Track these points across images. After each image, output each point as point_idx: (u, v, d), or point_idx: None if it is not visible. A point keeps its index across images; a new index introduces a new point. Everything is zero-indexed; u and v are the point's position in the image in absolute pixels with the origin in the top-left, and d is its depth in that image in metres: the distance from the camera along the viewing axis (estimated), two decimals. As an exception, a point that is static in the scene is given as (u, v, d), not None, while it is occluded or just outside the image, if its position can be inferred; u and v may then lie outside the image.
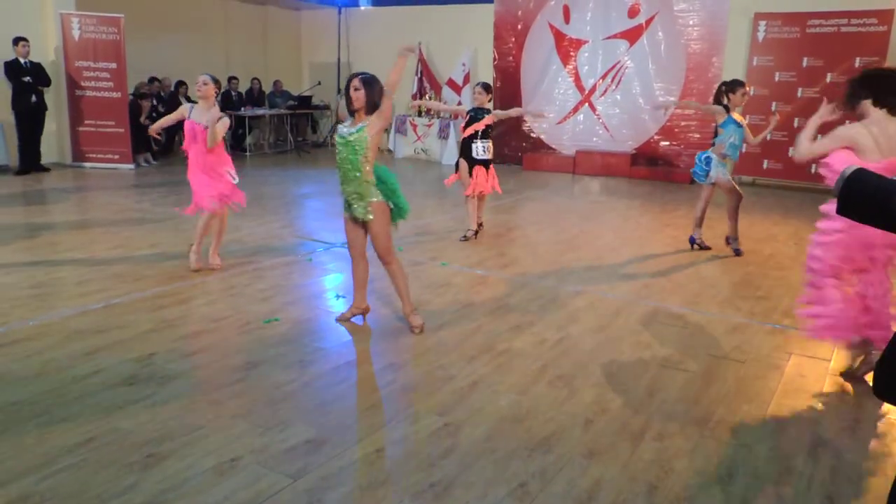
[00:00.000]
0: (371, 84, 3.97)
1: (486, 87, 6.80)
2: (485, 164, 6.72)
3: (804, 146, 3.70)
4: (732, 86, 6.31)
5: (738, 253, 6.45)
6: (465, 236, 6.78)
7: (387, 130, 14.18)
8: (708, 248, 6.60)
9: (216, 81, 5.41)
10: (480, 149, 6.67)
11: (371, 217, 4.09)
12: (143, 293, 4.88)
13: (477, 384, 3.58)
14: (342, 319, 4.47)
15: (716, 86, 11.22)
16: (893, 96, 3.54)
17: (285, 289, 5.08)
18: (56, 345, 3.92)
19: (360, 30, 14.80)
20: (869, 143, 3.54)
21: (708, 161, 6.30)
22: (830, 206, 3.44)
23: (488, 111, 6.74)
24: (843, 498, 2.70)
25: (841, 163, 3.46)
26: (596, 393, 3.53)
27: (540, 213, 8.56)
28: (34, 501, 2.49)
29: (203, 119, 5.26)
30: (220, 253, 5.61)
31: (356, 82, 3.95)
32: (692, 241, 6.65)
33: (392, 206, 4.18)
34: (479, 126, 6.65)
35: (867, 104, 3.61)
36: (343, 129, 4.08)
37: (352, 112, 4.04)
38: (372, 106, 3.98)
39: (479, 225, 6.97)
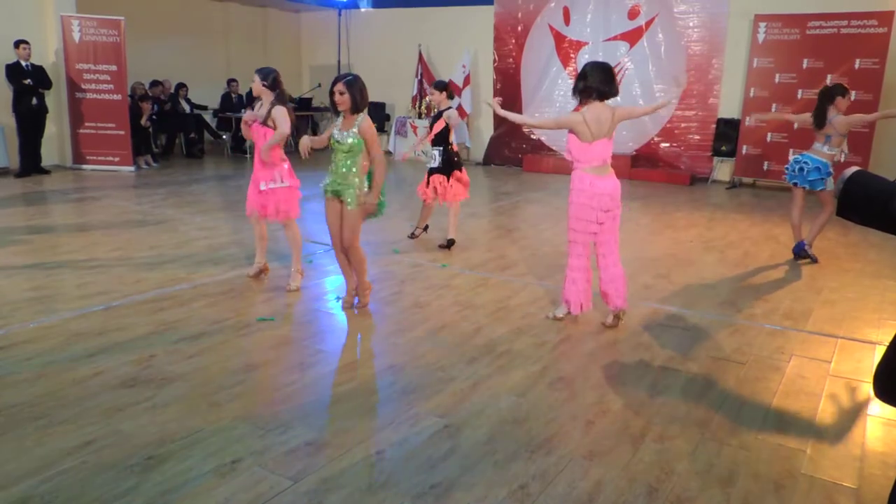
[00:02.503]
0: (353, 85, 4.32)
1: (438, 86, 6.40)
2: (440, 172, 6.33)
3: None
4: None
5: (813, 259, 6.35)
6: (413, 234, 6.83)
7: (387, 132, 14.20)
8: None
9: (264, 75, 4.92)
10: (433, 156, 6.37)
11: (354, 206, 4.43)
12: (144, 295, 4.88)
13: (477, 386, 3.58)
14: (347, 307, 4.75)
15: (716, 87, 11.39)
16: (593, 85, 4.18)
17: (285, 291, 5.08)
18: (56, 347, 3.92)
19: (361, 31, 14.81)
20: (582, 129, 4.21)
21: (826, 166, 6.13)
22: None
23: (440, 115, 6.31)
24: (846, 497, 2.70)
25: (572, 144, 4.28)
26: (597, 394, 3.52)
27: (540, 215, 8.56)
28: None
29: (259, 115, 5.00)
30: (220, 257, 5.61)
31: (340, 86, 4.28)
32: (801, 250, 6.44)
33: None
34: (430, 136, 6.37)
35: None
36: (336, 132, 4.42)
37: (337, 113, 4.39)
38: (356, 106, 4.32)
39: (424, 228, 6.77)
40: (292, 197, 5.08)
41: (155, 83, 12.17)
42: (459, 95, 13.24)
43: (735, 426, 3.24)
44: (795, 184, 6.31)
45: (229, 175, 11.06)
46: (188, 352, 3.92)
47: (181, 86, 12.61)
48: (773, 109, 10.67)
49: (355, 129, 4.36)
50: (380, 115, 14.25)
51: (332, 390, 3.54)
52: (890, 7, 9.90)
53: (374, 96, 14.47)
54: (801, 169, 6.20)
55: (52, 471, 2.69)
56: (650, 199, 9.79)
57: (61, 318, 4.40)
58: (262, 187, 5.03)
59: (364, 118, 4.39)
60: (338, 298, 4.95)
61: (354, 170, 4.42)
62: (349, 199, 4.43)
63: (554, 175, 12.11)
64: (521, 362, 3.91)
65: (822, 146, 6.17)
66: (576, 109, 4.44)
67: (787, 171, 6.42)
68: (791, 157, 6.35)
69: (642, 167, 11.90)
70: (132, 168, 10.85)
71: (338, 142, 4.40)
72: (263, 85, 4.91)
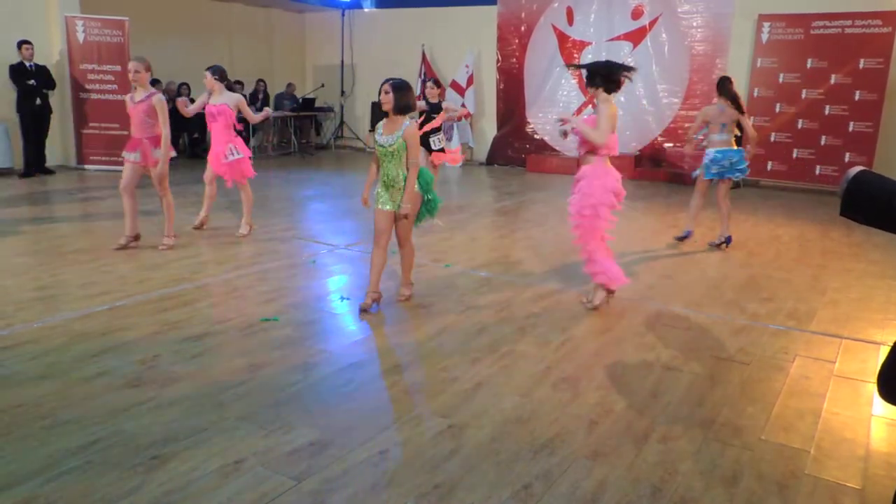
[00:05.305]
0: (399, 89, 4.42)
1: (437, 83, 8.31)
2: (441, 150, 8.12)
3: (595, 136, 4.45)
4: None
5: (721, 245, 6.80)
6: None
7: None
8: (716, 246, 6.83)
9: (211, 70, 6.77)
10: (436, 141, 7.98)
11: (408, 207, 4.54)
12: (147, 295, 4.89)
13: (481, 386, 3.58)
14: (366, 308, 4.67)
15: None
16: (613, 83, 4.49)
17: (289, 291, 5.09)
18: (60, 347, 3.93)
19: (364, 31, 14.82)
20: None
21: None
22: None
23: (439, 106, 7.99)
24: (850, 498, 2.69)
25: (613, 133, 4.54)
26: (600, 395, 3.52)
27: (544, 215, 8.55)
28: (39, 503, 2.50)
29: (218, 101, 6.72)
30: (223, 257, 5.62)
31: (386, 87, 4.44)
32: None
33: (426, 198, 4.69)
34: (435, 124, 7.86)
35: (599, 91, 4.52)
36: (380, 137, 4.53)
37: (384, 114, 4.54)
38: (400, 108, 4.42)
39: None
40: (246, 164, 6.82)
41: (154, 82, 12.15)
42: (463, 95, 13.25)
43: (739, 426, 3.23)
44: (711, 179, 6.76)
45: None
46: (192, 352, 3.92)
47: (185, 86, 12.62)
48: (778, 109, 10.66)
49: (400, 133, 4.44)
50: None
51: (335, 390, 3.54)
52: (894, 7, 9.87)
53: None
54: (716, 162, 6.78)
55: (57, 470, 2.70)
56: (653, 199, 9.78)
57: (65, 317, 4.41)
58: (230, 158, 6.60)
59: (411, 123, 4.52)
60: (342, 298, 4.95)
61: (402, 173, 4.49)
62: (403, 203, 4.50)
63: (557, 175, 12.09)
64: (524, 362, 3.90)
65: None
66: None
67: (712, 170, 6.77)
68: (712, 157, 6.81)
69: (646, 167, 11.89)
70: (136, 168, 10.86)
71: (382, 146, 4.49)
72: (215, 79, 6.67)
